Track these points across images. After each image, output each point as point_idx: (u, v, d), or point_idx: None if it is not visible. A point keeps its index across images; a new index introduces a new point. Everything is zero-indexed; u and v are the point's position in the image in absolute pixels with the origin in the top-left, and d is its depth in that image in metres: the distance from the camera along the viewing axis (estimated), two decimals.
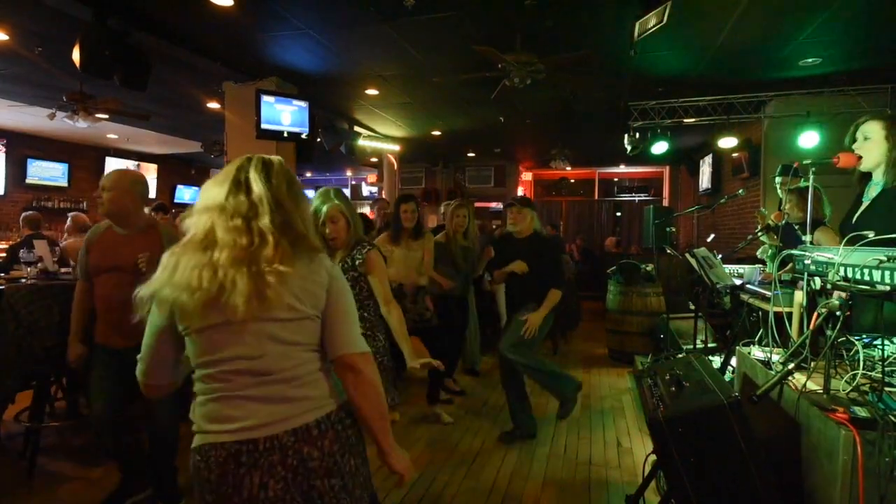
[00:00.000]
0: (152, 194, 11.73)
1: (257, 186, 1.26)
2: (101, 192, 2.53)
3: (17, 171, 9.68)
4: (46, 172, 10.09)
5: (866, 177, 2.17)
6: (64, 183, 10.37)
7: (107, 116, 6.55)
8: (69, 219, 5.50)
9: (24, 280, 3.43)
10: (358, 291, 2.48)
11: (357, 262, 2.46)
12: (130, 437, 2.71)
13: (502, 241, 3.95)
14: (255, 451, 1.19)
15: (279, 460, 1.20)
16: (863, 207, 2.13)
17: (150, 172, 11.92)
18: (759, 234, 3.75)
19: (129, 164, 11.43)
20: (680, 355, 2.26)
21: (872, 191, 2.12)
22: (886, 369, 1.55)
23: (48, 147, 10.09)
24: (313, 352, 1.30)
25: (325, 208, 2.39)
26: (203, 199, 1.28)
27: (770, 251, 3.63)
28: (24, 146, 9.74)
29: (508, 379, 3.69)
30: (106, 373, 2.58)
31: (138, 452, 2.74)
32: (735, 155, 7.85)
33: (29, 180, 9.79)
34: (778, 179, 4.00)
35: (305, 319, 1.26)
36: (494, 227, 8.36)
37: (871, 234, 1.60)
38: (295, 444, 1.22)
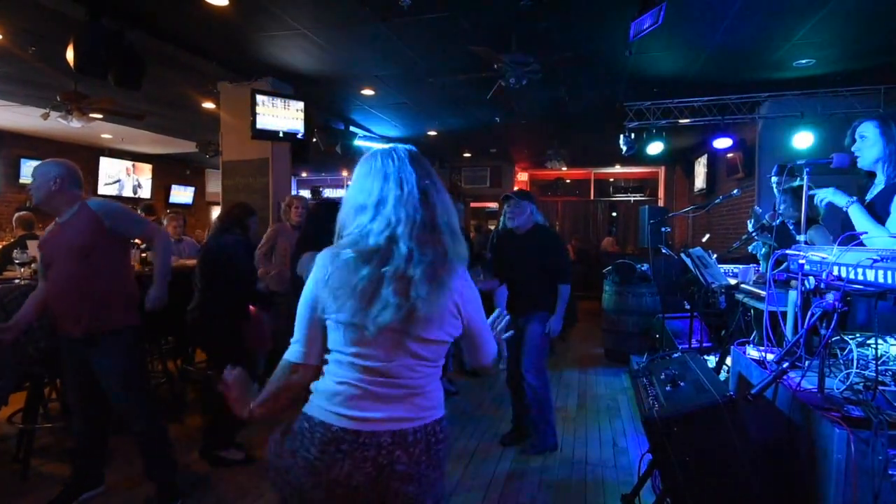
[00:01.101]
0: (146, 194, 11.70)
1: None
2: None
3: (10, 171, 9.62)
4: None
5: (871, 176, 2.23)
6: None
7: (101, 116, 6.52)
8: (15, 219, 5.46)
9: (17, 281, 3.41)
10: None
11: None
12: (100, 430, 2.73)
13: (502, 239, 3.74)
14: (356, 441, 1.25)
15: (372, 456, 1.25)
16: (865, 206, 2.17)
17: (145, 172, 11.86)
18: (753, 233, 3.76)
19: (123, 164, 11.38)
20: (675, 355, 2.26)
21: (875, 188, 2.18)
22: (880, 368, 1.56)
23: (42, 147, 10.02)
24: (437, 367, 1.36)
25: None
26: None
27: (763, 249, 3.64)
28: (18, 146, 9.68)
29: (519, 387, 3.59)
30: (70, 367, 2.64)
31: (101, 447, 2.77)
32: (730, 155, 7.89)
33: (22, 180, 9.73)
34: (774, 179, 4.02)
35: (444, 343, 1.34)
36: (491, 227, 8.36)
37: (865, 234, 1.61)
38: (390, 446, 1.26)
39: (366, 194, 1.30)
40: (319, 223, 2.85)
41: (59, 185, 2.55)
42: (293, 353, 1.33)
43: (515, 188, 13.31)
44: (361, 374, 1.27)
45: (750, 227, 3.73)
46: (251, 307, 3.47)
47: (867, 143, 2.15)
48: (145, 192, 11.77)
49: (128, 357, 2.61)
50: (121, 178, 11.34)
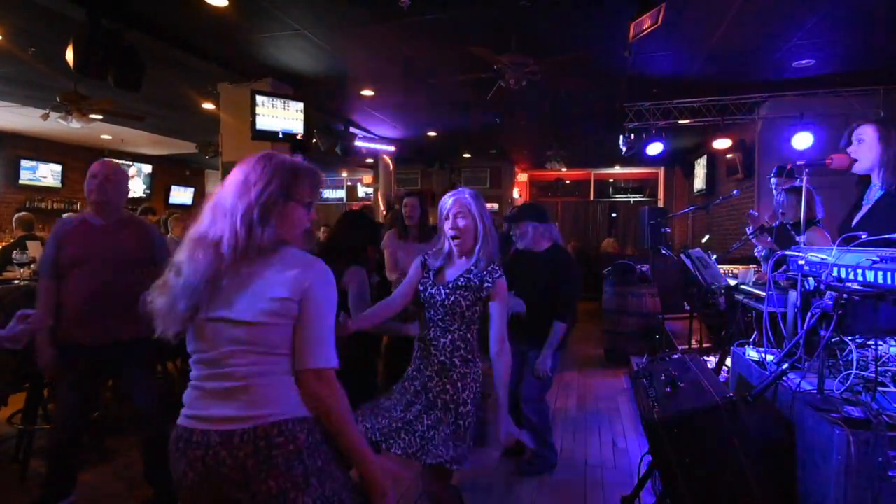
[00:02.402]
0: (140, 193, 11.70)
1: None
2: (90, 178, 2.52)
3: (10, 171, 9.61)
4: (40, 173, 10.03)
5: (864, 180, 2.19)
6: (57, 184, 10.30)
7: (101, 117, 6.51)
8: (15, 220, 5.45)
9: (16, 282, 3.41)
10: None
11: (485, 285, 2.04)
12: (79, 440, 2.67)
13: (514, 260, 3.37)
14: (189, 440, 1.28)
15: (200, 456, 1.25)
16: (863, 211, 2.15)
17: (145, 173, 11.86)
18: (751, 235, 3.76)
19: (123, 165, 11.36)
20: (675, 356, 2.26)
21: (873, 193, 2.15)
22: (880, 369, 1.56)
23: (42, 148, 10.02)
24: (276, 357, 1.30)
25: (450, 200, 2.10)
26: None
27: (764, 251, 3.64)
28: (18, 147, 9.67)
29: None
30: (76, 377, 2.52)
31: (78, 455, 2.70)
32: (729, 156, 7.89)
33: (22, 181, 9.72)
34: (774, 180, 4.02)
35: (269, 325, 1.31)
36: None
37: (863, 235, 1.61)
38: (217, 446, 1.24)
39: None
40: (350, 232, 2.77)
41: (122, 193, 2.60)
42: None
43: (515, 195, 13.29)
44: (197, 370, 1.33)
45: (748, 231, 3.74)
46: None
47: (864, 147, 2.10)
48: (141, 192, 11.76)
49: (151, 363, 2.68)
50: None
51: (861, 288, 1.51)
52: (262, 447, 1.23)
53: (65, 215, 5.35)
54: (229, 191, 1.32)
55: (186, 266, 1.29)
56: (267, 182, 1.30)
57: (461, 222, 2.05)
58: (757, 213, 3.96)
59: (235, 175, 1.35)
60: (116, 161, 2.64)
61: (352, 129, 8.65)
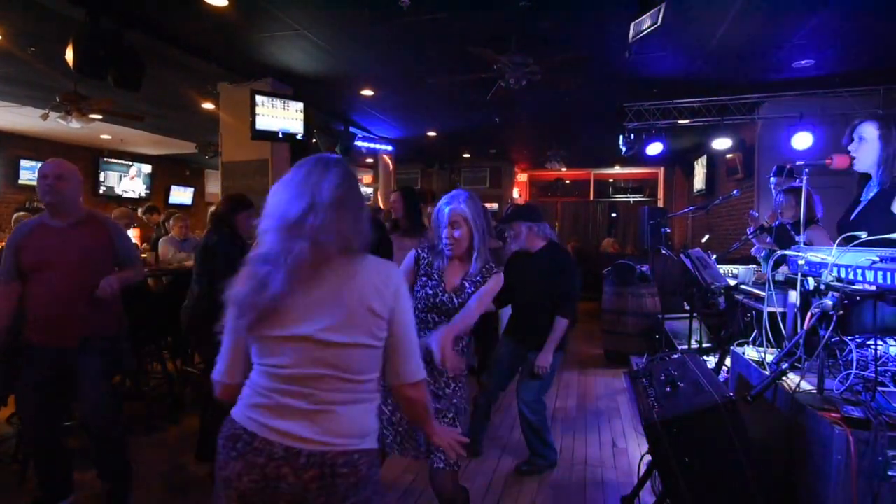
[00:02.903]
0: (140, 193, 11.70)
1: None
2: (41, 178, 2.47)
3: (9, 171, 9.61)
4: None
5: (865, 178, 2.19)
6: None
7: (100, 117, 6.51)
8: (13, 220, 5.43)
9: None
10: None
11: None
12: (57, 439, 2.62)
13: (511, 261, 3.38)
14: (249, 444, 1.24)
15: (260, 464, 1.23)
16: (860, 207, 2.15)
17: (145, 173, 11.87)
18: (751, 236, 3.76)
19: (123, 165, 11.37)
20: (675, 356, 2.26)
21: (870, 190, 2.15)
22: (880, 369, 1.56)
23: (41, 148, 10.01)
24: (360, 384, 1.30)
25: (447, 210, 2.19)
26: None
27: (763, 252, 3.65)
28: (17, 147, 9.67)
29: (483, 408, 3.46)
30: (43, 378, 2.48)
31: (65, 454, 2.66)
32: (729, 156, 7.89)
33: (22, 181, 9.72)
34: (773, 180, 4.02)
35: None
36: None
37: (863, 235, 1.61)
38: (280, 460, 1.23)
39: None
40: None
41: (77, 192, 2.55)
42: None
43: (515, 192, 13.29)
44: (268, 381, 1.27)
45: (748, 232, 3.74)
46: None
47: (865, 146, 2.10)
48: (143, 192, 11.76)
49: (113, 362, 2.63)
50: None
51: (861, 288, 1.51)
52: (327, 473, 1.23)
53: (19, 216, 5.31)
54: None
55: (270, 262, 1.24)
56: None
57: (457, 233, 2.16)
58: (757, 214, 3.96)
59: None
60: (65, 160, 2.57)
61: (352, 129, 8.65)
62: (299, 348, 1.23)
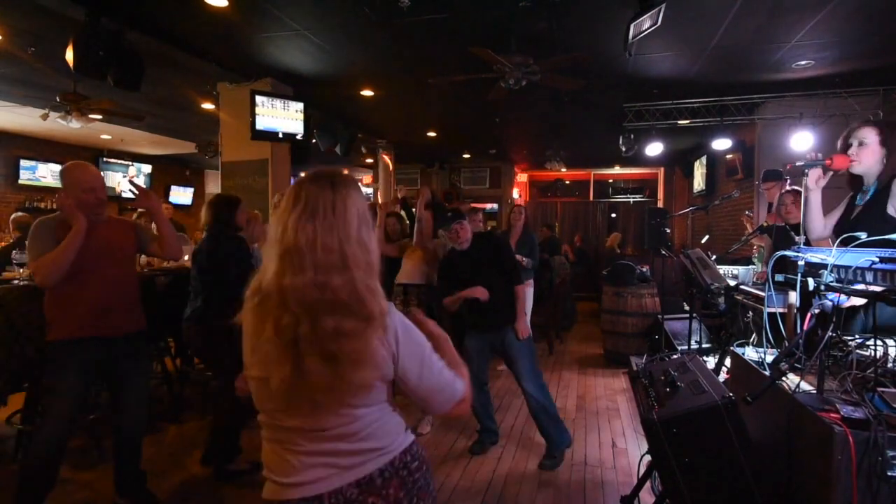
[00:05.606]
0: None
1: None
2: (90, 192, 2.55)
3: (9, 171, 9.60)
4: (39, 173, 10.03)
5: (857, 179, 2.21)
6: (57, 184, 10.28)
7: (100, 117, 6.51)
8: (11, 220, 5.42)
9: (16, 281, 3.40)
10: None
11: None
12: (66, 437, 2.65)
13: (446, 261, 3.51)
14: None
15: None
16: (858, 210, 2.16)
17: (145, 173, 11.87)
18: (751, 236, 3.77)
19: (123, 165, 11.38)
20: (675, 356, 2.26)
21: (866, 192, 2.16)
22: (879, 369, 1.56)
23: (41, 148, 10.01)
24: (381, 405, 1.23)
25: None
26: None
27: (762, 253, 3.65)
28: (17, 147, 9.67)
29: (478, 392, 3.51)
30: (85, 365, 2.54)
31: (63, 452, 2.65)
32: (729, 156, 7.90)
33: (22, 181, 9.72)
34: (763, 187, 4.03)
35: None
36: (489, 227, 8.35)
37: (863, 236, 1.62)
38: (359, 497, 1.16)
39: None
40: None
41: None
42: None
43: (515, 192, 13.29)
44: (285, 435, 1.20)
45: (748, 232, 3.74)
46: None
47: (866, 150, 2.13)
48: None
49: (148, 366, 2.85)
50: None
51: (860, 288, 1.51)
52: (404, 475, 1.21)
53: (18, 216, 5.26)
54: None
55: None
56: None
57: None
58: (752, 215, 3.96)
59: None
60: (91, 165, 2.73)
61: (352, 129, 8.65)
62: None
